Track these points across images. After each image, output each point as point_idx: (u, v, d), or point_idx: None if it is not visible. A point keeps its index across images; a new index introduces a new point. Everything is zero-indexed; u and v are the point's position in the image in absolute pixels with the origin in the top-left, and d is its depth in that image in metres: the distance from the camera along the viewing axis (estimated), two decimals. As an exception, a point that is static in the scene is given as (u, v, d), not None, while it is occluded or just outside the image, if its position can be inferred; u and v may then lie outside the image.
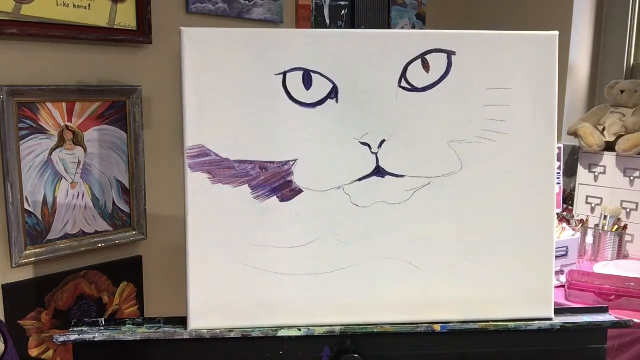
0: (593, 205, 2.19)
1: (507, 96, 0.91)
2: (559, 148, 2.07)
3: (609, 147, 2.13)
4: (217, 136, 0.89)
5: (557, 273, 1.78)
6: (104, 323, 0.92)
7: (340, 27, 2.11)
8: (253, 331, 0.92)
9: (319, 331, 0.91)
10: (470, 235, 0.93)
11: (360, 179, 0.91)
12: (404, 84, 0.90)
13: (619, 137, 2.11)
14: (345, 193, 0.91)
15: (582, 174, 2.21)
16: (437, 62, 0.90)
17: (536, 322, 0.93)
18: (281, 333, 0.91)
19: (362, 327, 0.92)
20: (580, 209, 2.22)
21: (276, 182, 0.91)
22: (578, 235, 1.94)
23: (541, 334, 0.93)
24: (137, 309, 1.61)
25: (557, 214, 2.07)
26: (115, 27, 1.46)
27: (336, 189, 0.91)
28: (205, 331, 0.92)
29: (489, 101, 0.91)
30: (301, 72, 0.89)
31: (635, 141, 2.04)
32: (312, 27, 2.00)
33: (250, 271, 0.93)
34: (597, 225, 2.07)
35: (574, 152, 2.33)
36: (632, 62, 2.54)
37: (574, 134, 2.22)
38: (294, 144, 0.90)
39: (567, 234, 1.90)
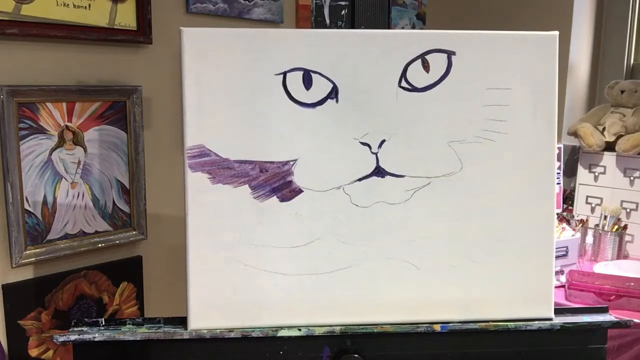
0: (593, 205, 2.19)
1: (507, 96, 0.91)
2: (559, 148, 2.07)
3: (609, 147, 2.13)
4: (217, 136, 0.89)
5: (557, 273, 1.78)
6: (104, 323, 0.92)
7: (340, 27, 2.11)
8: (253, 331, 0.92)
9: (319, 331, 0.91)
10: (470, 235, 0.93)
11: (360, 179, 0.91)
12: (404, 84, 0.90)
13: (619, 137, 2.11)
14: (345, 193, 0.91)
15: (582, 174, 2.21)
16: (437, 62, 0.90)
17: (536, 322, 0.93)
18: (281, 333, 0.91)
19: (362, 327, 0.92)
20: (580, 209, 2.22)
21: (276, 182, 0.91)
22: (578, 235, 1.94)
23: (541, 334, 0.93)
24: (137, 309, 1.61)
25: (557, 214, 2.07)
26: (115, 27, 1.46)
27: (336, 189, 0.91)
28: (205, 331, 0.92)
29: (489, 101, 0.91)
30: (301, 72, 0.89)
31: (635, 141, 2.04)
32: (312, 27, 2.00)
33: (250, 271, 0.92)
34: (597, 225, 2.07)
35: (574, 152, 2.33)
36: (632, 62, 2.54)
37: (574, 134, 2.22)
38: (294, 144, 0.90)
39: (567, 234, 1.90)
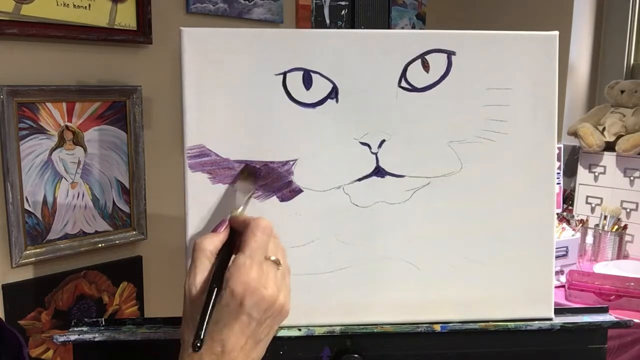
0: (593, 205, 2.19)
1: (507, 96, 0.91)
2: (559, 148, 2.07)
3: (609, 147, 2.13)
4: (217, 136, 0.89)
5: (557, 273, 1.78)
6: (104, 323, 0.91)
7: (340, 27, 2.11)
8: (253, 331, 0.91)
9: (319, 331, 0.91)
10: (470, 235, 0.93)
11: (360, 179, 0.91)
12: (404, 84, 0.90)
13: (619, 137, 2.11)
14: (345, 193, 0.91)
15: (582, 174, 2.21)
16: (437, 62, 0.90)
17: (536, 322, 0.93)
18: (281, 333, 0.91)
19: (362, 327, 0.92)
20: (580, 209, 2.22)
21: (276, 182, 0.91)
22: (578, 235, 1.95)
23: (541, 334, 0.93)
24: (137, 309, 1.61)
25: (557, 214, 2.07)
26: (115, 27, 1.46)
27: (336, 189, 0.91)
28: (205, 331, 0.92)
29: (489, 101, 0.91)
30: (301, 72, 0.89)
31: (635, 141, 2.04)
32: (312, 27, 2.00)
33: (250, 271, 0.92)
34: (597, 225, 2.07)
35: (574, 152, 2.33)
36: (632, 62, 2.54)
37: (574, 134, 2.22)
38: (294, 144, 0.90)
39: (567, 234, 1.90)
